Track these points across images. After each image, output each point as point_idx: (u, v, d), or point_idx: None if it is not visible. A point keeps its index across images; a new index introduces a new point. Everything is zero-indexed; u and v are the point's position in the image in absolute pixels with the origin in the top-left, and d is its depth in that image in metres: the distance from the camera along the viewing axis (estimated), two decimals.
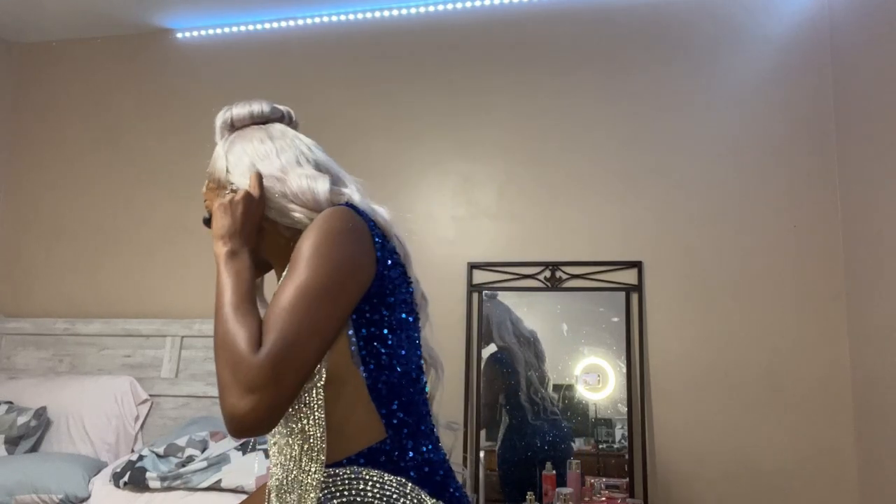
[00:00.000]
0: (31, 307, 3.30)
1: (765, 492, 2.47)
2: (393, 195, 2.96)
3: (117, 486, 2.33)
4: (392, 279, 0.91)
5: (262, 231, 0.97)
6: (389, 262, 0.91)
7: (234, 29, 3.29)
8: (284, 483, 0.90)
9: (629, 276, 2.69)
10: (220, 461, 2.31)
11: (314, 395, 0.86)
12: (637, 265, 2.68)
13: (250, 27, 3.26)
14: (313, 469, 0.86)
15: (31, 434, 2.66)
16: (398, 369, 0.90)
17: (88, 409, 2.77)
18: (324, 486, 0.86)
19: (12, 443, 2.61)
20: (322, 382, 0.86)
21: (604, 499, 2.30)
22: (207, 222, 1.01)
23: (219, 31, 3.31)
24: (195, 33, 3.34)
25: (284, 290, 0.82)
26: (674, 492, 2.54)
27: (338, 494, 0.85)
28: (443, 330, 2.86)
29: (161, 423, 2.88)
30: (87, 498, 2.34)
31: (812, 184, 2.58)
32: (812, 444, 2.45)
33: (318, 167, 1.00)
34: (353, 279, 0.86)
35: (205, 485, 2.26)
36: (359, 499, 0.85)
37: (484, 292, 2.79)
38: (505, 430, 2.66)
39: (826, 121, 2.59)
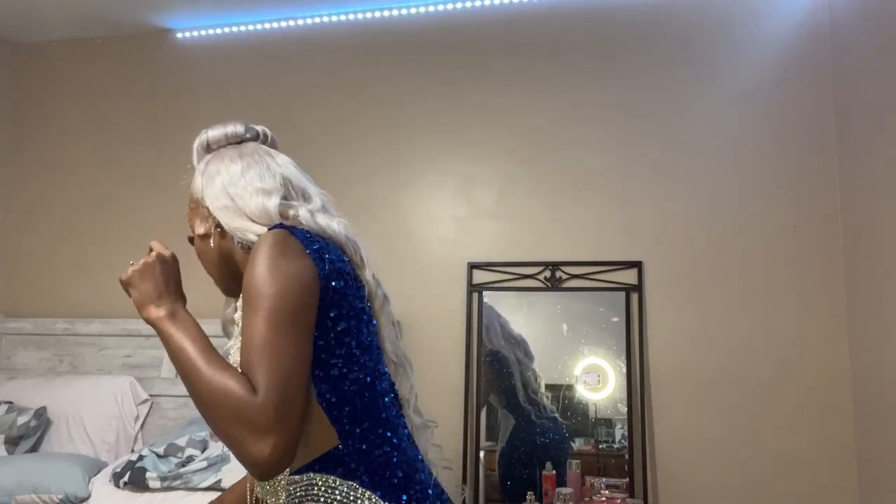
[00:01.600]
0: (31, 307, 3.30)
1: (765, 491, 2.47)
2: (393, 195, 2.96)
3: (117, 486, 2.33)
4: (338, 290, 0.91)
5: (232, 256, 1.03)
6: (333, 272, 0.91)
7: (234, 29, 3.29)
8: (264, 489, 0.96)
9: (629, 276, 2.69)
10: (220, 461, 2.31)
11: None
12: (637, 265, 2.68)
13: (250, 27, 3.26)
14: (279, 477, 0.91)
15: (31, 434, 2.66)
16: (350, 377, 0.91)
17: (88, 409, 2.77)
18: (288, 492, 0.91)
19: (12, 443, 2.61)
20: None
21: (604, 499, 2.30)
22: (192, 241, 1.09)
23: (219, 31, 3.31)
24: (195, 33, 3.34)
25: (253, 326, 0.83)
26: (674, 492, 2.54)
27: (297, 501, 0.89)
28: (443, 330, 2.88)
29: (161, 423, 2.87)
30: (87, 498, 2.34)
31: (812, 184, 2.58)
32: (812, 444, 2.45)
33: (284, 182, 1.03)
34: (309, 296, 0.88)
35: (205, 485, 2.26)
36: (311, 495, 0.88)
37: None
38: (501, 430, 2.66)
39: (826, 121, 2.59)
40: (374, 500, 0.88)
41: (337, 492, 0.88)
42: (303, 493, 0.89)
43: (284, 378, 0.81)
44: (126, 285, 0.95)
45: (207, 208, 1.03)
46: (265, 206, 0.98)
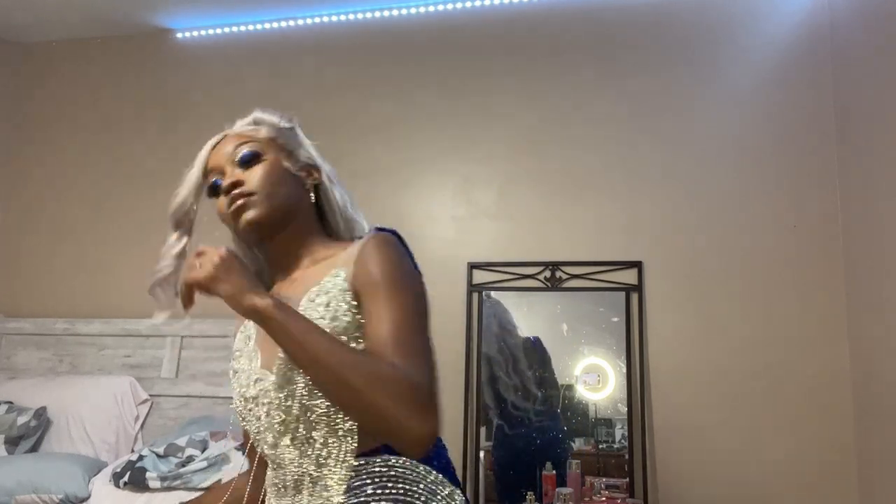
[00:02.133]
0: (31, 307, 3.30)
1: (765, 492, 2.47)
2: (393, 195, 2.96)
3: (117, 486, 2.33)
4: None
5: (297, 208, 1.03)
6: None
7: (234, 29, 3.29)
8: (304, 477, 0.93)
9: (629, 276, 2.69)
10: (220, 461, 2.32)
11: None
12: (637, 265, 2.68)
13: (250, 27, 3.27)
14: (343, 460, 0.91)
15: (31, 434, 2.66)
16: None
17: (88, 409, 2.77)
18: (354, 473, 0.90)
19: (12, 443, 2.61)
20: None
21: (604, 499, 2.30)
22: (247, 159, 1.04)
23: (219, 31, 3.31)
24: (195, 33, 3.34)
25: (400, 315, 0.88)
26: (674, 492, 2.54)
27: (368, 481, 0.90)
28: (443, 330, 2.87)
29: (161, 423, 2.87)
30: (87, 498, 2.34)
31: (812, 184, 2.58)
32: (812, 444, 2.45)
33: None
34: (426, 296, 0.96)
35: (205, 485, 2.26)
36: (390, 484, 0.90)
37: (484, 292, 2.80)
38: (496, 430, 2.66)
39: (826, 121, 2.59)
40: (445, 483, 0.94)
41: (415, 473, 0.92)
42: (379, 473, 0.90)
43: (432, 364, 0.87)
44: (210, 281, 0.90)
45: (309, 158, 1.09)
46: (354, 206, 1.09)
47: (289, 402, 0.92)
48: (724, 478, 2.50)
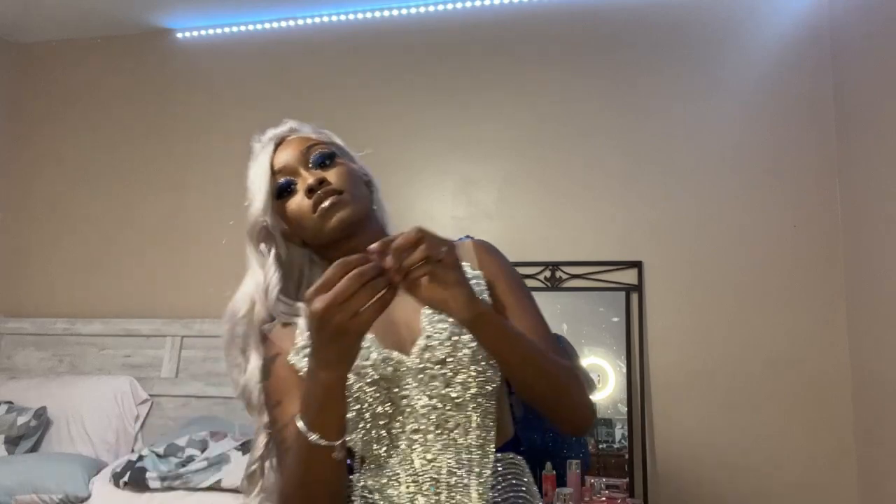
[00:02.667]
0: (31, 307, 3.30)
1: (765, 492, 2.47)
2: (393, 195, 2.95)
3: (117, 486, 2.33)
4: None
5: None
6: None
7: (234, 29, 3.28)
8: (452, 470, 0.92)
9: (629, 276, 2.69)
10: (220, 461, 2.31)
11: (492, 391, 0.95)
12: (637, 265, 2.68)
13: (250, 27, 3.26)
14: (489, 455, 0.93)
15: (31, 434, 2.66)
16: None
17: (88, 409, 2.77)
18: (494, 469, 0.93)
19: (12, 443, 2.61)
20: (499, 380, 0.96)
21: (604, 499, 2.30)
22: (325, 159, 1.01)
23: (219, 31, 3.31)
24: (195, 33, 3.34)
25: (536, 311, 1.00)
26: (674, 492, 2.54)
27: (500, 478, 0.93)
28: None
29: (161, 423, 2.87)
30: (88, 498, 2.34)
31: (812, 184, 2.58)
32: (812, 444, 2.45)
33: None
34: None
35: (205, 485, 2.26)
36: (515, 480, 0.95)
37: None
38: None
39: (826, 121, 2.59)
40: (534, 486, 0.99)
41: (526, 471, 0.98)
42: (506, 470, 0.94)
43: None
44: (458, 283, 0.81)
45: (362, 169, 1.11)
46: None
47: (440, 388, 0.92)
48: (723, 477, 2.50)
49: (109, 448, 2.73)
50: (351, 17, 3.14)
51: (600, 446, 2.56)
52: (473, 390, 0.91)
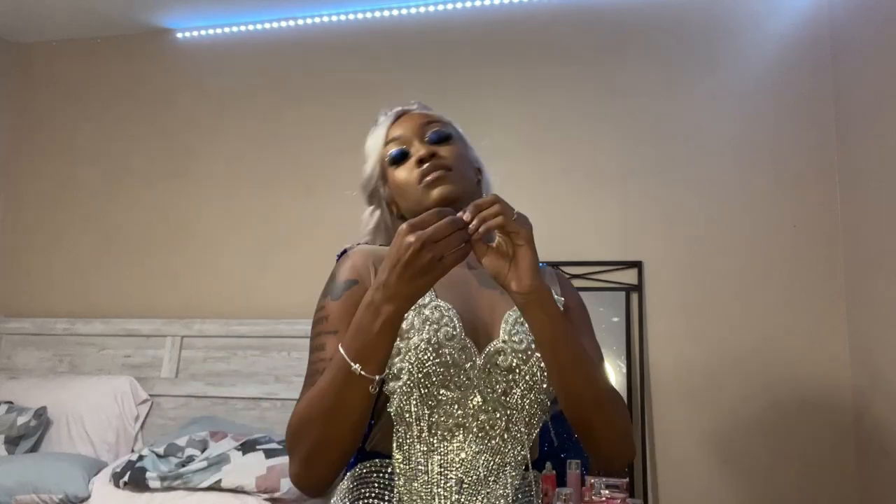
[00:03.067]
0: (31, 307, 3.30)
1: (765, 492, 2.47)
2: None
3: (117, 486, 2.33)
4: None
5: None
6: None
7: (234, 29, 3.29)
8: (480, 476, 0.91)
9: (629, 276, 2.69)
10: (220, 461, 2.31)
11: (542, 417, 0.97)
12: (637, 265, 2.68)
13: (250, 27, 3.26)
14: (520, 474, 0.95)
15: (31, 434, 2.66)
16: None
17: (88, 409, 2.77)
18: (518, 488, 0.94)
19: (12, 443, 2.61)
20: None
21: (604, 499, 2.30)
22: (442, 138, 1.06)
23: (219, 31, 3.31)
24: (195, 33, 3.34)
25: (596, 342, 1.04)
26: (674, 492, 2.54)
27: (520, 493, 0.95)
28: None
29: (161, 423, 2.87)
30: (88, 498, 2.34)
31: (812, 184, 2.58)
32: (811, 444, 2.45)
33: None
34: None
35: (205, 485, 2.26)
36: (531, 497, 0.97)
37: None
38: None
39: (826, 121, 2.59)
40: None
41: (538, 490, 0.98)
42: (527, 489, 0.96)
43: None
44: (528, 243, 0.87)
45: (476, 160, 1.15)
46: None
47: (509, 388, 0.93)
48: (723, 477, 2.50)
49: (109, 448, 2.73)
50: (351, 17, 3.14)
51: None
52: (528, 408, 0.92)
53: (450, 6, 3.02)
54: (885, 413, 2.20)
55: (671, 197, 2.70)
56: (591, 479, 2.39)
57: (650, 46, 2.81)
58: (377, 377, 0.81)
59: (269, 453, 2.32)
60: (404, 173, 1.02)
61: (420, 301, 0.88)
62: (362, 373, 0.80)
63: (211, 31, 3.32)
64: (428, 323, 0.89)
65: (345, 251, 1.00)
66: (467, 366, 0.90)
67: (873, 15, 2.32)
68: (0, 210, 3.46)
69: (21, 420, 2.65)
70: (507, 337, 0.93)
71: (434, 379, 0.88)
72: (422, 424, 0.88)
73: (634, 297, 2.66)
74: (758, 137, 2.65)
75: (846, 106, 2.51)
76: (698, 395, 2.57)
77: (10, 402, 2.76)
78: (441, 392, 0.89)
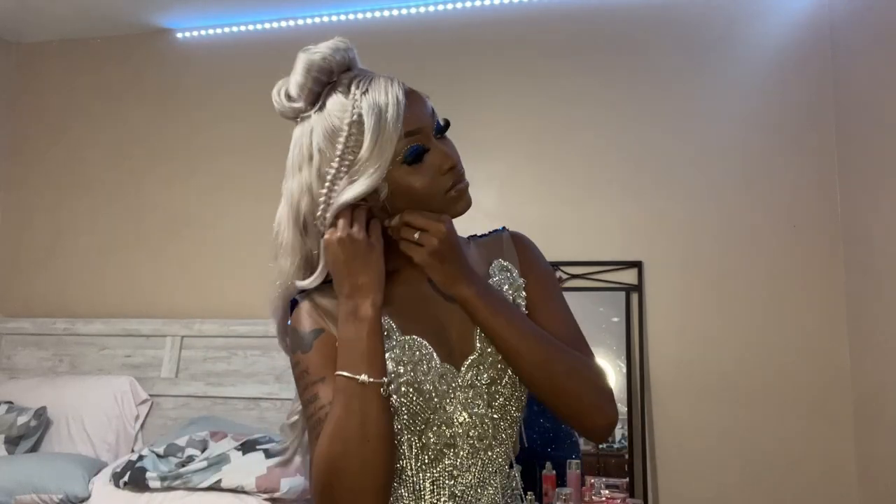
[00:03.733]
0: (31, 307, 3.30)
1: (764, 492, 2.47)
2: None
3: (117, 486, 2.33)
4: None
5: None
6: None
7: (234, 29, 3.28)
8: (472, 488, 0.91)
9: (629, 276, 2.69)
10: (220, 461, 2.31)
11: (521, 416, 0.96)
12: (637, 265, 2.68)
13: (250, 27, 3.26)
14: (507, 474, 0.94)
15: (31, 434, 2.66)
16: None
17: (88, 409, 2.77)
18: (507, 482, 0.94)
19: (12, 443, 2.61)
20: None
21: (604, 499, 2.30)
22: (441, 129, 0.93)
23: (219, 31, 3.31)
24: (195, 33, 3.34)
25: (567, 312, 1.01)
26: (674, 492, 2.54)
27: (510, 490, 0.94)
28: None
29: (161, 423, 2.87)
30: (88, 498, 2.34)
31: (812, 184, 2.58)
32: (811, 444, 2.45)
33: None
34: None
35: (205, 485, 2.26)
36: (517, 493, 0.95)
37: None
38: None
39: (826, 121, 2.59)
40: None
41: (520, 484, 0.96)
42: (514, 485, 0.95)
43: None
44: (434, 256, 0.85)
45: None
46: None
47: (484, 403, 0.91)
48: (723, 478, 2.50)
49: (109, 448, 2.73)
50: (351, 17, 3.14)
51: (600, 446, 2.56)
52: (512, 412, 0.93)
53: (450, 6, 3.02)
54: (885, 413, 2.20)
55: (671, 197, 2.70)
56: (591, 479, 2.39)
57: (650, 46, 2.80)
58: (385, 379, 0.81)
59: (269, 453, 2.33)
60: (426, 177, 0.87)
61: (386, 344, 0.87)
62: (371, 380, 0.79)
63: (211, 31, 3.32)
64: (401, 364, 0.87)
65: (294, 301, 0.92)
66: (451, 388, 0.89)
67: (873, 15, 2.33)
68: (0, 210, 3.46)
69: (21, 420, 2.65)
70: (481, 350, 0.91)
71: (421, 415, 0.88)
72: (413, 449, 0.88)
73: (634, 297, 2.66)
74: (758, 137, 2.65)
75: (846, 106, 2.51)
76: (698, 394, 2.57)
77: (10, 402, 2.76)
78: (429, 417, 0.88)
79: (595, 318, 2.67)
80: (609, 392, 0.91)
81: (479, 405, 0.90)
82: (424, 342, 0.89)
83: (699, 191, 2.68)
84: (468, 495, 0.89)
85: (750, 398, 2.52)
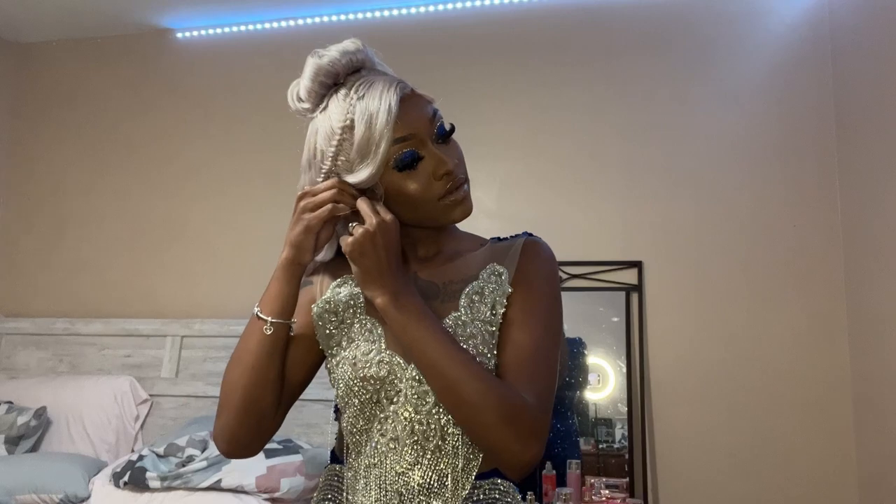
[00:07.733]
0: (31, 307, 3.30)
1: (765, 491, 2.47)
2: None
3: (117, 486, 2.33)
4: None
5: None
6: None
7: (234, 29, 3.29)
8: (421, 488, 0.88)
9: (629, 276, 2.69)
10: (220, 461, 2.31)
11: None
12: (637, 265, 2.68)
13: (250, 27, 3.26)
14: (464, 484, 0.87)
15: (31, 434, 2.66)
16: None
17: (88, 409, 2.77)
18: (469, 495, 0.88)
19: (12, 443, 2.61)
20: None
21: (604, 499, 2.30)
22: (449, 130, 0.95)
23: (219, 31, 3.31)
24: (195, 33, 3.34)
25: (535, 332, 0.87)
26: (674, 492, 2.54)
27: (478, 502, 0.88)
28: None
29: (161, 423, 2.88)
30: (87, 498, 2.34)
31: (812, 184, 2.58)
32: (812, 443, 2.45)
33: None
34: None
35: (205, 485, 2.26)
36: None
37: None
38: None
39: (826, 121, 2.59)
40: None
41: (510, 495, 0.90)
42: (485, 497, 0.88)
43: (553, 388, 0.86)
44: (353, 251, 0.84)
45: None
46: None
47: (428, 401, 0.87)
48: (724, 477, 2.50)
49: (109, 448, 2.74)
50: (351, 17, 3.14)
51: (600, 446, 2.56)
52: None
53: (450, 6, 3.02)
54: (885, 413, 2.20)
55: (671, 197, 2.70)
56: (591, 479, 2.40)
57: (650, 46, 2.80)
58: (270, 318, 0.88)
59: (269, 453, 2.33)
60: (419, 184, 0.87)
61: (347, 319, 0.92)
62: (259, 314, 0.89)
63: (211, 31, 3.32)
64: (351, 341, 0.91)
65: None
66: (395, 377, 0.87)
67: (873, 15, 2.33)
68: (0, 209, 3.46)
69: (21, 420, 2.65)
70: None
71: (362, 396, 0.88)
72: (362, 438, 0.90)
73: (634, 296, 2.66)
74: (758, 137, 2.65)
75: (846, 106, 2.51)
76: (698, 394, 2.57)
77: (10, 402, 2.76)
78: (375, 408, 0.88)
79: (595, 318, 2.67)
80: (528, 427, 0.80)
81: (427, 403, 0.86)
82: (379, 327, 0.91)
83: (699, 191, 2.68)
84: (414, 498, 0.86)
85: (750, 398, 2.52)
